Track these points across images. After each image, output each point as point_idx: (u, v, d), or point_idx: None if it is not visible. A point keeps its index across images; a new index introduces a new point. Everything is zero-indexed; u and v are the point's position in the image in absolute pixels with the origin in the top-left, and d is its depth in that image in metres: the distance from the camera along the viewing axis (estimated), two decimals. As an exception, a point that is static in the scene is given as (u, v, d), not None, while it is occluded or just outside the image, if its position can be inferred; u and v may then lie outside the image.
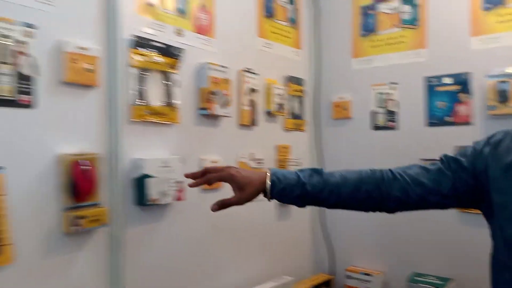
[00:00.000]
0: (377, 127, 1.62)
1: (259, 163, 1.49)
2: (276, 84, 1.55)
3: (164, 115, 1.15)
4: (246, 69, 1.43)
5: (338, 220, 1.69)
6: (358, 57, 1.67)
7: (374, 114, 1.62)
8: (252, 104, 1.45)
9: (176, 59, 1.18)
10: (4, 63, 0.83)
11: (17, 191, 0.86)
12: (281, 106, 1.57)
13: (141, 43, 1.09)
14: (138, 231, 1.08)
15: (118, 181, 1.03)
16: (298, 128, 1.70)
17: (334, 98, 1.72)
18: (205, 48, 1.29)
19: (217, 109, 1.28)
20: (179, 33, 1.21)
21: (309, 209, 1.72)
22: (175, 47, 1.17)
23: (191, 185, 0.95)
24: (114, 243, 1.02)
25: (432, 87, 1.48)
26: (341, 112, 1.70)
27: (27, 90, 0.87)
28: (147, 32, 1.12)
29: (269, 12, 1.56)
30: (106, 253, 1.02)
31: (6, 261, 0.83)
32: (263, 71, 1.51)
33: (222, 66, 1.29)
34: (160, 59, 1.14)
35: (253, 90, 1.45)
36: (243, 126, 1.43)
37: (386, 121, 1.59)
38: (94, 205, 0.98)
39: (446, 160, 0.85)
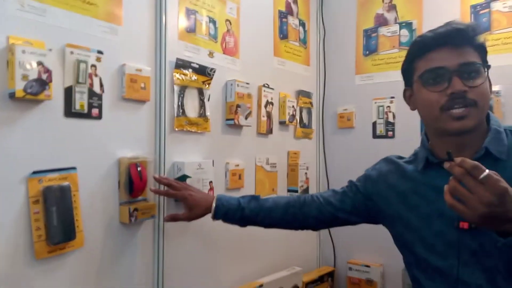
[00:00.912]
0: (377, 136, 1.82)
1: (273, 166, 1.69)
2: (289, 97, 1.76)
3: (198, 125, 1.35)
4: (264, 85, 1.63)
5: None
6: (361, 74, 1.88)
7: (374, 124, 1.83)
8: (269, 115, 1.66)
9: (209, 77, 1.38)
10: (82, 83, 1.03)
11: (86, 188, 1.05)
12: (293, 116, 1.77)
13: (182, 64, 1.29)
14: (176, 223, 1.27)
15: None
16: (306, 136, 1.90)
17: (339, 110, 1.92)
18: (231, 67, 1.49)
19: (241, 120, 1.48)
20: (210, 55, 1.41)
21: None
22: (208, 67, 1.37)
23: (153, 190, 1.17)
24: (158, 232, 1.22)
25: (426, 102, 1.69)
26: (345, 122, 1.90)
27: (96, 104, 1.07)
28: (186, 54, 1.32)
29: (283, 34, 1.76)
30: (152, 240, 1.21)
31: (79, 245, 1.02)
32: (278, 86, 1.71)
33: (246, 83, 1.49)
34: (196, 77, 1.33)
35: (269, 103, 1.66)
36: (260, 134, 1.63)
37: (385, 130, 1.80)
38: (144, 200, 1.17)
39: (350, 184, 1.07)
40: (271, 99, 1.67)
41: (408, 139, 1.72)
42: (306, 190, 1.81)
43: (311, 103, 1.93)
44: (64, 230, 0.97)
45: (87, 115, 1.05)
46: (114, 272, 1.11)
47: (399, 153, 1.08)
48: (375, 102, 1.83)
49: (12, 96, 0.89)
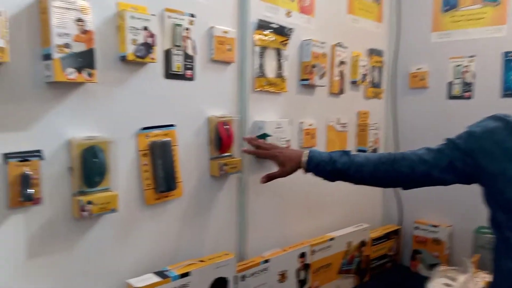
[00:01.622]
0: (452, 97, 1.77)
1: (343, 126, 1.72)
2: (361, 57, 1.74)
3: (276, 85, 1.39)
4: (338, 44, 1.62)
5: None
6: (438, 31, 1.80)
7: (450, 84, 1.77)
8: (341, 74, 1.66)
9: (287, 37, 1.40)
10: (178, 46, 1.10)
11: (182, 143, 1.14)
12: (364, 76, 1.76)
13: (263, 25, 1.32)
14: (258, 177, 1.36)
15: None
16: (376, 96, 1.89)
17: (411, 69, 1.87)
18: (306, 26, 1.50)
19: (315, 80, 1.50)
20: (288, 14, 1.42)
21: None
22: (286, 27, 1.39)
23: (244, 151, 1.26)
24: (242, 185, 1.31)
25: (510, 61, 1.61)
26: (418, 82, 1.86)
27: (189, 66, 1.14)
28: (266, 15, 1.34)
29: (358, -10, 1.72)
30: (236, 192, 1.31)
31: (178, 194, 1.14)
32: (350, 45, 1.69)
33: (321, 42, 1.50)
34: (274, 38, 1.36)
35: (342, 62, 1.65)
36: (332, 94, 1.65)
37: (462, 91, 1.74)
38: (230, 156, 1.26)
39: (447, 141, 1.04)
40: (344, 58, 1.66)
41: (487, 100, 1.67)
42: (375, 151, 1.83)
43: (382, 62, 1.89)
44: (168, 180, 1.08)
45: (182, 76, 1.13)
46: (205, 219, 1.23)
47: (477, 114, 1.05)
48: (452, 61, 1.76)
49: (123, 59, 0.98)
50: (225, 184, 1.28)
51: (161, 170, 1.07)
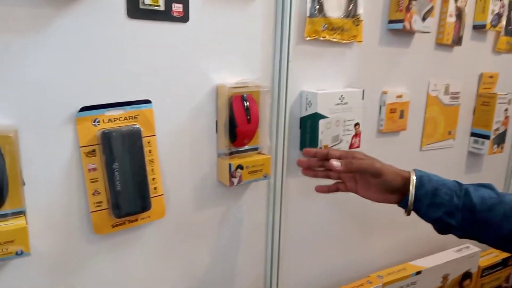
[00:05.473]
0: None
1: (454, 98, 1.10)
2: (497, -17, 1.06)
3: (343, 30, 0.83)
4: (459, -40, 0.97)
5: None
6: None
7: None
8: (459, 13, 1.01)
9: None
10: (150, -44, 0.60)
11: (165, 131, 0.68)
12: (498, 16, 1.09)
13: None
14: (300, 182, 0.86)
15: (282, 120, 0.79)
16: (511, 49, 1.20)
17: None
18: None
19: (415, 22, 0.89)
20: None
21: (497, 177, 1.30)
22: None
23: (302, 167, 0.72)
24: (272, 195, 0.83)
25: None
26: None
27: (178, -4, 0.64)
28: None
29: None
30: (263, 205, 0.84)
31: (158, 215, 0.69)
32: (480, -38, 1.02)
33: (430, -45, 0.87)
34: None
35: (463, -7, 1.00)
36: (441, 46, 1.02)
37: None
38: (254, 149, 0.77)
39: None
40: (467, -15, 1.01)
41: None
42: (502, 136, 1.18)
43: (529, -7, 1.17)
44: (135, 196, 0.64)
45: (165, 15, 0.64)
46: (209, 251, 0.79)
47: None
48: None
49: (31, -21, 0.52)
50: (244, 194, 0.81)
51: (120, 180, 0.62)
